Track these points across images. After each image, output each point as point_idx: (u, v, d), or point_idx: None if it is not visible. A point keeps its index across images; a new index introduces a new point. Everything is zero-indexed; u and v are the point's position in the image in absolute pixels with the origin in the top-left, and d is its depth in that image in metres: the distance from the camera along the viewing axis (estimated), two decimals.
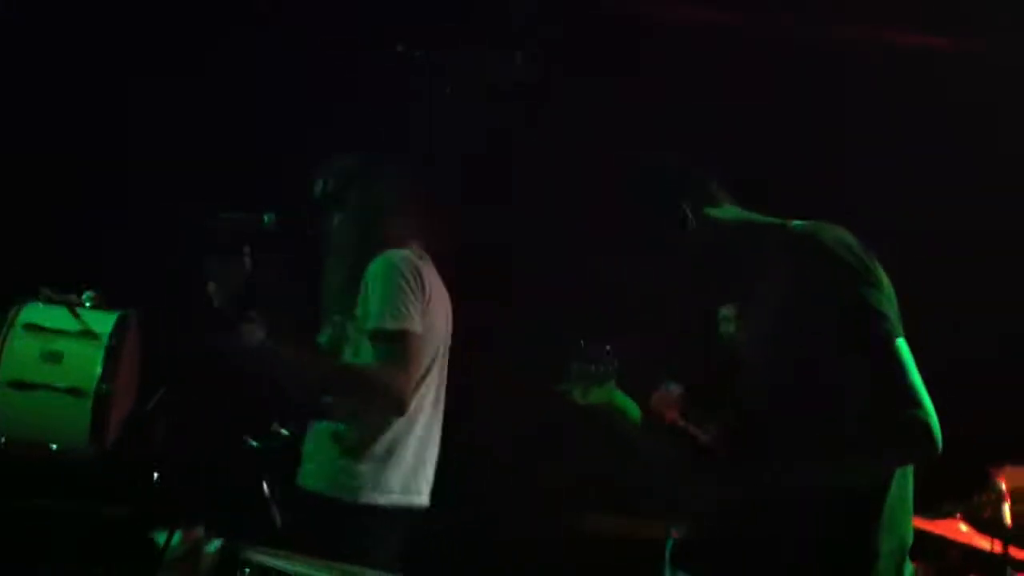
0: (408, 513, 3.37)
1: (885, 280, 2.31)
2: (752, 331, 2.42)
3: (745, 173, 2.70)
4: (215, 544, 2.58)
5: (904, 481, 2.34)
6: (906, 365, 2.23)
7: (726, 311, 2.57)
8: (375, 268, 3.31)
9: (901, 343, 2.25)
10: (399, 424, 3.33)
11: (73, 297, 4.11)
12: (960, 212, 5.07)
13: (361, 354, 3.32)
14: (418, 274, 3.33)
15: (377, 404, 3.29)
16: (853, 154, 5.22)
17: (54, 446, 3.88)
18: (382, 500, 3.30)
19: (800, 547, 2.28)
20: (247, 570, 2.55)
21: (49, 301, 4.08)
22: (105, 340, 3.97)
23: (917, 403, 2.20)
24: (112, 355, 3.96)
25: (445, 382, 3.55)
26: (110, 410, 3.92)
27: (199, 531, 2.57)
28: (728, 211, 2.53)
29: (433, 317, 3.38)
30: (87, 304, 4.11)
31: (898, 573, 2.31)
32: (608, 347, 2.63)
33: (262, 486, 3.17)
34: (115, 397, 3.96)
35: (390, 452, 3.32)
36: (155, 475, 2.85)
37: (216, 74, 5.17)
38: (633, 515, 5.06)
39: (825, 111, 5.21)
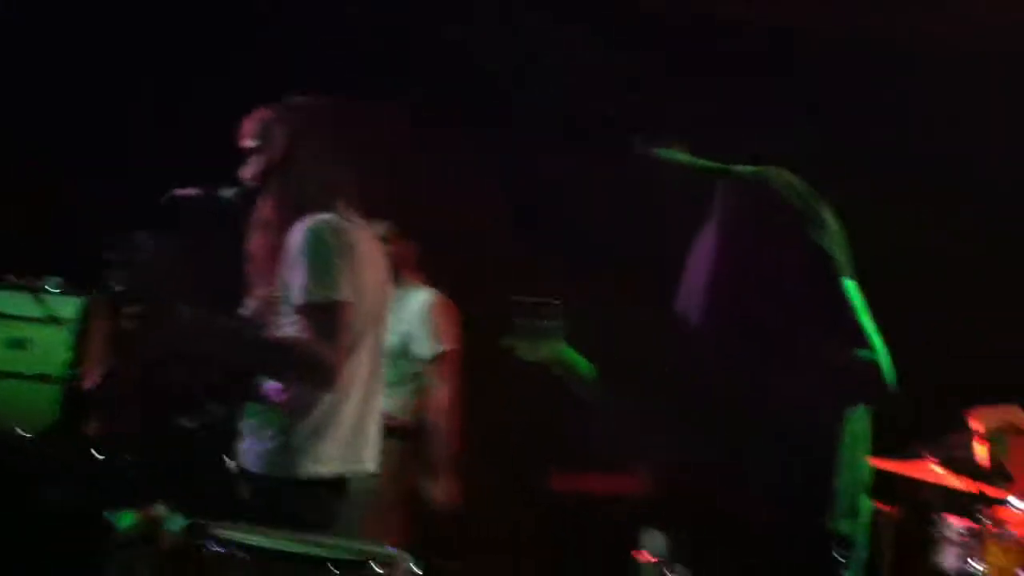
0: (353, 481, 3.31)
1: (833, 222, 2.32)
2: (694, 277, 2.42)
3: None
4: (178, 521, 2.57)
5: (860, 419, 2.36)
6: (854, 306, 2.24)
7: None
8: (297, 238, 3.20)
9: (849, 283, 2.26)
10: (332, 395, 3.23)
11: (37, 283, 4.09)
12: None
13: (287, 328, 3.26)
14: (344, 239, 3.22)
15: (306, 379, 3.19)
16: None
17: (28, 434, 3.88)
18: (324, 471, 3.23)
19: (756, 487, 2.29)
20: (217, 548, 2.54)
21: (13, 287, 4.07)
22: (72, 325, 3.96)
23: (865, 344, 2.21)
24: (80, 340, 3.96)
25: (382, 348, 3.46)
26: (81, 395, 3.92)
27: (158, 509, 2.56)
28: (676, 153, 2.53)
29: (364, 282, 3.30)
30: (52, 290, 4.09)
31: (855, 509, 2.34)
32: (555, 302, 2.61)
33: (225, 463, 3.16)
34: (86, 382, 3.96)
35: (325, 423, 3.24)
36: (97, 453, 2.83)
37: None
38: (600, 473, 5.09)
39: None
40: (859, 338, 2.22)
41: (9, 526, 3.36)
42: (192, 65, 5.33)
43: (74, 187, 5.12)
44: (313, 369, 3.13)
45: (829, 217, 2.32)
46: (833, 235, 2.31)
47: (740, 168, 2.41)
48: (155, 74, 5.32)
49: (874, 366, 2.21)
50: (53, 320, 3.98)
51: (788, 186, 2.31)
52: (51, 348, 3.92)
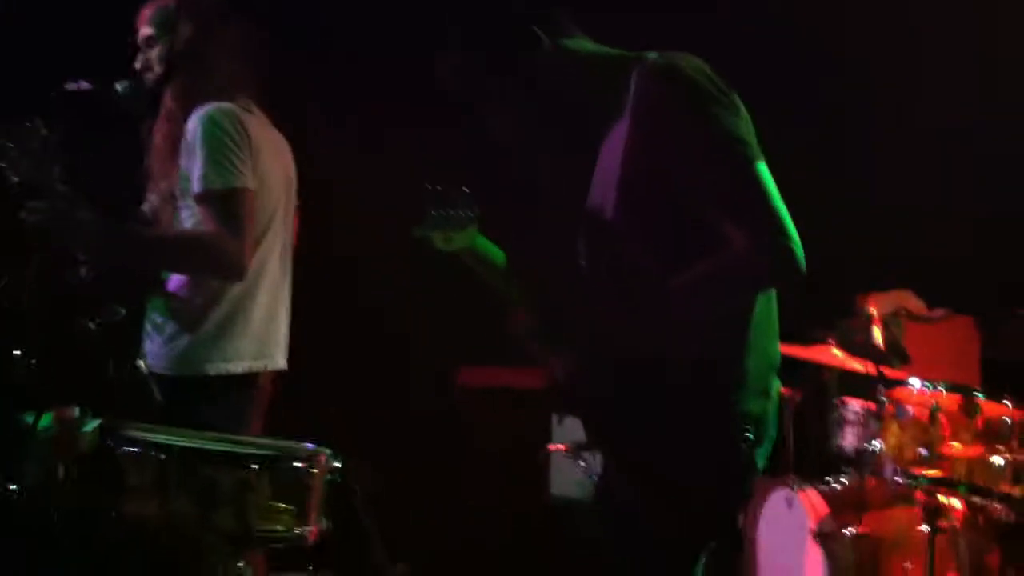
0: (264, 377, 3.27)
1: (742, 108, 2.31)
2: (604, 169, 2.41)
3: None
4: (92, 423, 2.52)
5: (768, 303, 2.38)
6: (768, 189, 2.24)
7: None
8: (194, 126, 3.12)
9: (762, 167, 2.25)
10: (239, 289, 3.17)
11: None
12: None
13: (191, 219, 3.16)
14: (242, 127, 3.15)
15: (212, 271, 3.12)
16: None
17: None
18: (234, 368, 3.18)
19: (671, 371, 2.29)
20: (131, 449, 2.50)
21: None
22: None
23: (780, 227, 2.21)
24: None
25: (292, 240, 3.41)
26: None
27: (72, 411, 2.50)
28: (582, 43, 2.48)
29: (266, 171, 3.22)
30: None
31: (766, 390, 2.36)
32: (466, 190, 2.58)
33: (136, 364, 3.09)
34: None
35: (233, 319, 3.19)
36: (16, 354, 2.74)
37: None
38: (511, 363, 5.11)
39: None
40: (773, 222, 2.22)
41: None
42: None
43: None
44: (218, 260, 3.06)
45: (739, 101, 2.31)
46: (744, 118, 2.29)
47: (649, 55, 2.37)
48: None
49: (787, 250, 2.22)
50: None
51: (698, 70, 2.29)
52: None
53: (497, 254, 2.65)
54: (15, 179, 2.99)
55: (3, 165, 2.98)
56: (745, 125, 2.28)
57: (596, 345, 2.40)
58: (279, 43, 3.65)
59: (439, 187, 2.57)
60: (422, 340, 5.36)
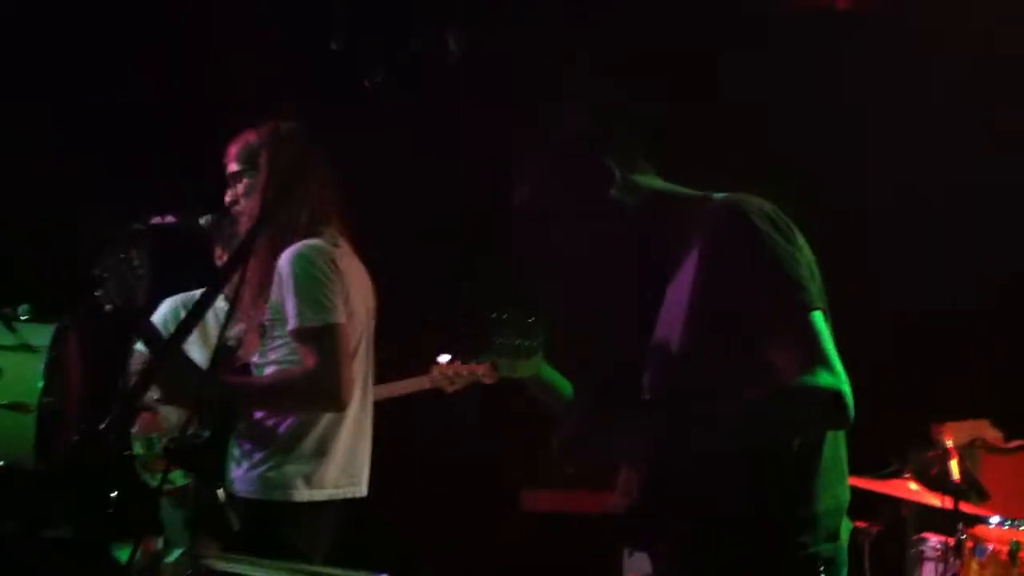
0: (347, 504, 3.32)
1: (807, 251, 2.33)
2: (671, 306, 2.41)
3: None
4: (175, 554, 2.55)
5: (836, 443, 2.36)
6: (821, 337, 2.24)
7: None
8: (287, 264, 3.24)
9: (817, 315, 2.25)
10: (327, 417, 3.27)
11: (8, 311, 4.04)
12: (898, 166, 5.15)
13: (278, 350, 3.27)
14: (333, 264, 3.26)
15: (314, 407, 3.23)
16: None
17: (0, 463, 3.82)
18: (319, 495, 3.24)
19: (738, 512, 2.28)
20: None
21: None
22: (45, 353, 3.91)
23: (831, 374, 2.21)
24: (53, 367, 3.91)
25: (371, 368, 3.49)
26: (57, 424, 3.87)
27: (156, 542, 2.53)
28: (651, 179, 2.50)
29: (354, 304, 3.32)
30: (23, 318, 4.04)
31: (836, 532, 2.33)
32: (532, 319, 2.58)
33: (215, 492, 3.13)
34: (63, 410, 3.92)
35: (322, 446, 3.27)
36: (113, 491, 2.78)
37: None
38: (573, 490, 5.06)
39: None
40: (825, 367, 2.21)
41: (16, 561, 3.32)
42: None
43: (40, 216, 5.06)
44: (318, 396, 3.19)
45: (803, 245, 2.33)
46: (805, 263, 2.30)
47: (716, 196, 2.40)
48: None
49: (837, 396, 2.20)
50: (26, 348, 3.92)
51: (763, 215, 2.31)
52: (24, 377, 3.86)
53: (563, 384, 2.65)
54: (108, 306, 3.09)
55: (99, 294, 3.08)
56: (806, 271, 2.29)
57: (659, 479, 2.38)
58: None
59: (504, 315, 2.58)
60: (488, 463, 5.35)
